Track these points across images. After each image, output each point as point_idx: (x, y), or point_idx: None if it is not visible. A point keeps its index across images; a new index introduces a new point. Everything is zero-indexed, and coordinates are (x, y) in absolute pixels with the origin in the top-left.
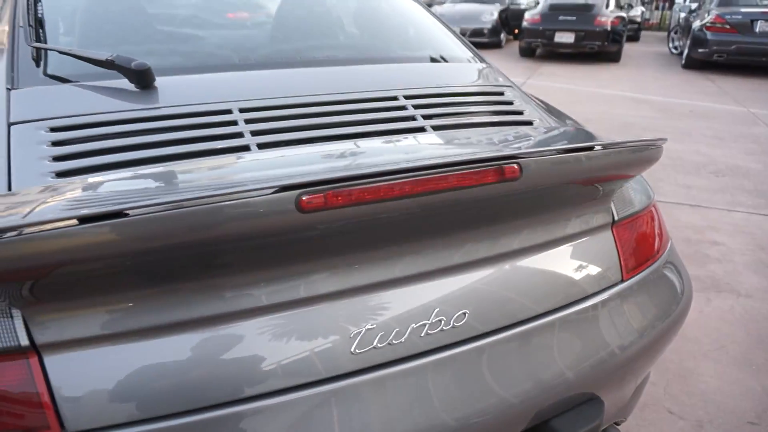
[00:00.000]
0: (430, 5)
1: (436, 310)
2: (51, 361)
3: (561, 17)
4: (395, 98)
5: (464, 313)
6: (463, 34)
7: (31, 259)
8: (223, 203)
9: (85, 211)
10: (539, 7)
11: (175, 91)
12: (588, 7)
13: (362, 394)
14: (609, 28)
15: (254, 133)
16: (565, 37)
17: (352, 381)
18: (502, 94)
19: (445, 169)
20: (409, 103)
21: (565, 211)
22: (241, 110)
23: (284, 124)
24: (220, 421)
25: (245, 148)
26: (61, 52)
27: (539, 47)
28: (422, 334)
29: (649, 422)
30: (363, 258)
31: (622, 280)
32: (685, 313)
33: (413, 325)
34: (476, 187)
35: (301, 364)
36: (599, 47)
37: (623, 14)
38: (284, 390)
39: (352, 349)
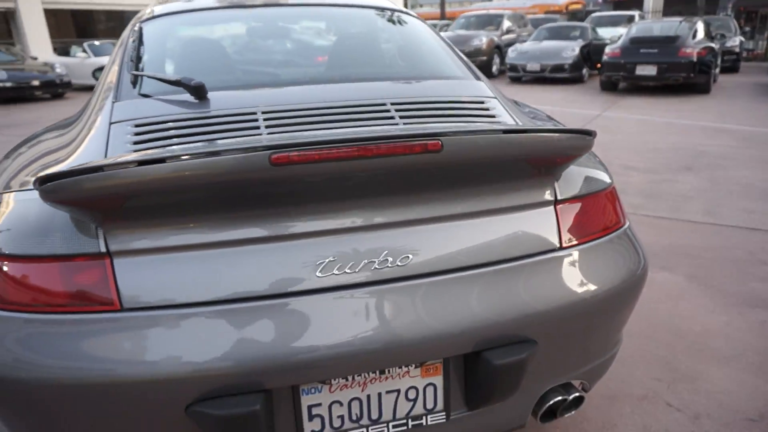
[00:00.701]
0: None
1: (385, 252)
2: (118, 262)
3: (642, 50)
4: (384, 104)
5: (407, 257)
6: (544, 70)
7: (107, 189)
8: (227, 157)
9: (139, 159)
10: (620, 41)
11: (220, 100)
12: (671, 39)
13: (323, 307)
14: (695, 60)
15: (267, 126)
16: (646, 70)
17: (315, 296)
18: (481, 102)
19: (381, 141)
20: (393, 107)
21: (511, 185)
22: (263, 112)
23: (288, 119)
24: (232, 311)
25: (258, 132)
26: (148, 77)
27: (620, 81)
28: (372, 268)
29: (644, 411)
30: (331, 208)
31: (560, 248)
32: (631, 290)
33: (365, 261)
34: (406, 155)
35: (283, 279)
36: (684, 79)
37: (712, 45)
38: (271, 296)
39: (317, 273)
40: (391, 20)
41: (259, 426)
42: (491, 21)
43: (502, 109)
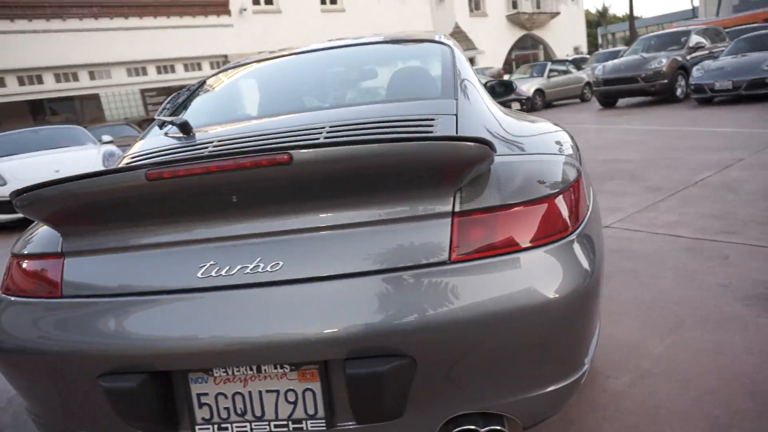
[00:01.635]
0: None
1: (258, 258)
2: (68, 262)
3: None
4: (323, 127)
5: (278, 263)
6: (737, 88)
7: (42, 202)
8: (114, 175)
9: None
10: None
11: (198, 134)
12: None
13: (201, 304)
14: None
15: (210, 151)
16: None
17: (196, 294)
18: (431, 119)
19: (233, 157)
20: (326, 130)
21: (403, 195)
22: (218, 141)
23: (233, 145)
24: (131, 303)
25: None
26: (163, 121)
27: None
28: (246, 272)
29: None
30: (213, 217)
31: (449, 261)
32: (545, 318)
33: (239, 266)
34: (261, 168)
35: (172, 278)
36: None
37: None
38: (161, 292)
39: (198, 275)
40: (413, 52)
41: (137, 401)
42: (675, 40)
43: (451, 125)
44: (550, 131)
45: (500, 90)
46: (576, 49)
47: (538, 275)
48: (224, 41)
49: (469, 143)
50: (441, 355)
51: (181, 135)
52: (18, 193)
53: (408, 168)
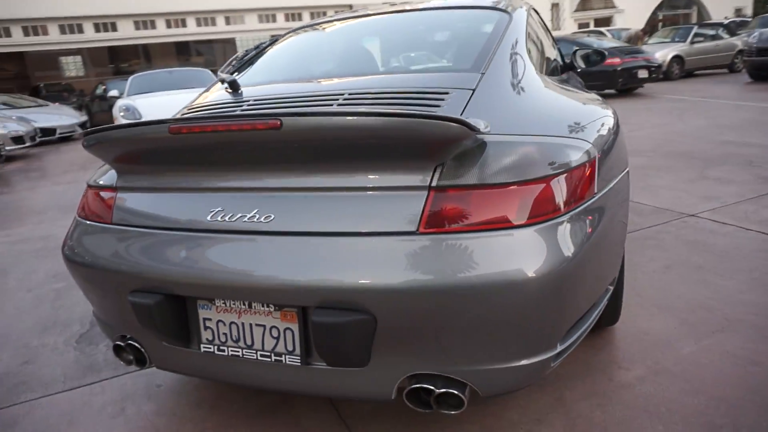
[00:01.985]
0: None
1: (256, 210)
2: (119, 195)
3: None
4: (342, 94)
5: (270, 216)
6: None
7: (102, 144)
8: (149, 127)
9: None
10: None
11: (242, 91)
12: None
13: (208, 243)
14: None
15: (243, 110)
16: None
17: (205, 234)
18: (445, 92)
19: (235, 120)
20: (343, 97)
21: (387, 166)
22: (254, 99)
23: (262, 106)
24: (156, 235)
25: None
26: (221, 78)
27: None
28: (245, 220)
29: None
30: (224, 170)
31: (416, 232)
32: (507, 298)
33: (240, 214)
34: (253, 131)
35: (190, 219)
36: None
37: None
38: (180, 229)
39: (207, 219)
40: (464, 19)
41: (154, 317)
42: None
43: (463, 100)
44: (582, 113)
45: (595, 59)
46: (738, 11)
47: (506, 254)
48: None
49: (446, 123)
50: (401, 316)
51: (231, 91)
52: (86, 134)
53: (388, 142)
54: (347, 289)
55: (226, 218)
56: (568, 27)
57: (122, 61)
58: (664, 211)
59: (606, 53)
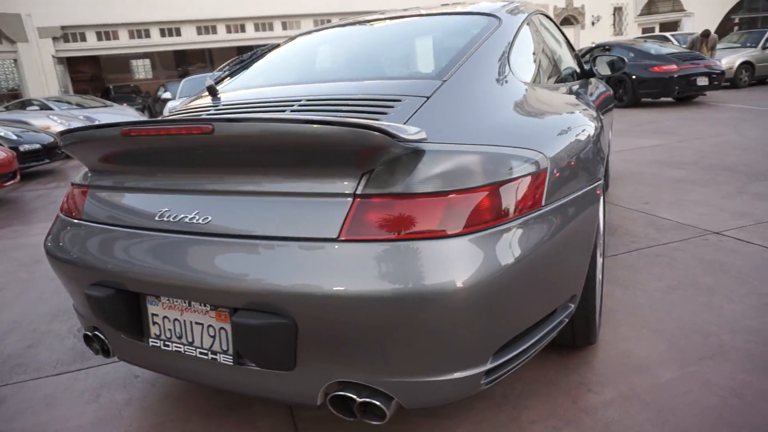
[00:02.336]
0: None
1: (196, 211)
2: (90, 192)
3: None
4: (298, 100)
5: (207, 217)
6: None
7: (71, 143)
8: (104, 129)
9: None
10: None
11: (217, 97)
12: None
13: (155, 242)
14: None
15: (208, 114)
16: None
17: (153, 233)
18: (396, 100)
19: (172, 124)
20: (299, 104)
21: (315, 172)
22: (223, 104)
23: (225, 111)
24: (118, 232)
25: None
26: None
27: None
28: (186, 221)
29: None
30: (170, 171)
31: (337, 239)
32: (409, 300)
33: (182, 215)
34: (190, 135)
35: (144, 217)
36: None
37: None
38: (134, 227)
39: (156, 218)
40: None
41: (106, 310)
42: None
43: (413, 108)
44: (549, 123)
45: (618, 65)
46: None
47: (429, 264)
48: None
49: (364, 130)
50: (321, 323)
51: (211, 97)
52: (61, 133)
53: (313, 148)
54: (268, 293)
55: (171, 218)
56: (632, 32)
57: (188, 64)
58: (686, 228)
59: (626, 60)
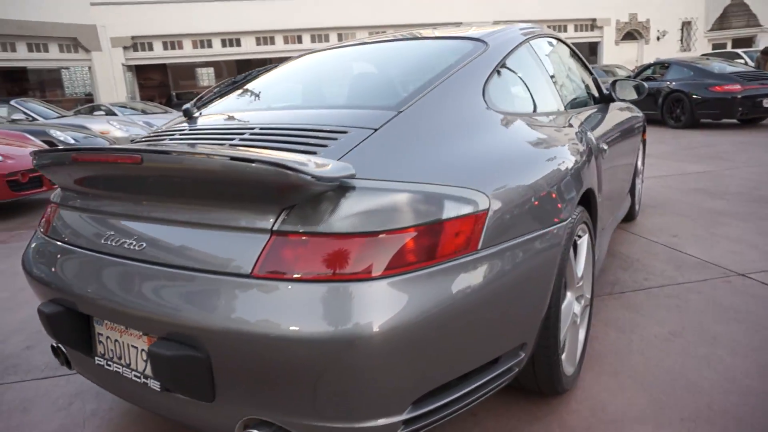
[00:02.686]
0: None
1: (135, 237)
2: (59, 209)
3: None
4: (252, 128)
5: (143, 244)
6: None
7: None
8: (59, 152)
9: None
10: None
11: (190, 120)
12: None
13: (99, 264)
14: None
15: (171, 139)
16: None
17: (99, 255)
18: (342, 132)
19: (107, 152)
20: (251, 132)
21: (238, 205)
22: (189, 129)
23: (184, 138)
24: (71, 252)
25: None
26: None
27: None
28: (125, 246)
29: None
30: (117, 196)
31: (250, 275)
32: (321, 345)
33: (123, 239)
34: (124, 164)
35: (91, 239)
36: None
37: None
38: (85, 248)
39: (101, 240)
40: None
41: (55, 327)
42: None
43: (355, 141)
44: (507, 160)
45: (641, 89)
46: None
47: (340, 307)
48: (461, 7)
49: (275, 168)
50: (232, 359)
51: (186, 120)
52: (34, 153)
53: (231, 183)
54: (184, 325)
55: (115, 242)
56: (701, 47)
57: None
58: (710, 267)
59: (645, 86)
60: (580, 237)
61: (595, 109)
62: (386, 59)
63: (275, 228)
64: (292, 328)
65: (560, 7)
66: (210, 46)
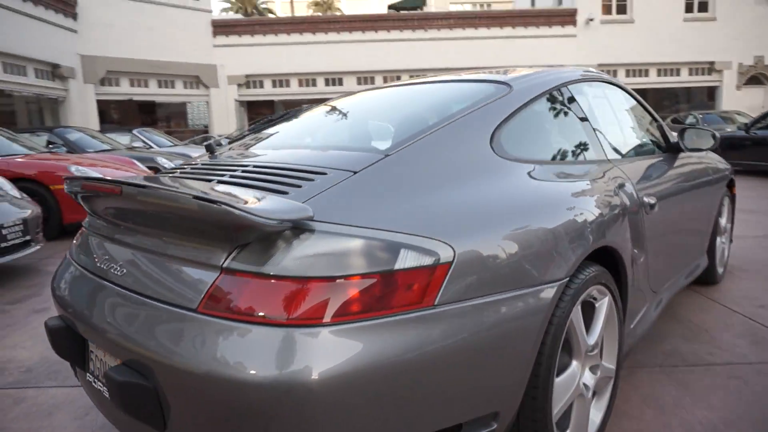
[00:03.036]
0: None
1: (120, 263)
2: (84, 232)
3: None
4: (245, 166)
5: (124, 270)
6: None
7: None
8: (77, 182)
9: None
10: None
11: (218, 155)
12: None
13: (93, 285)
14: None
15: (182, 174)
16: None
17: (94, 277)
18: (324, 173)
19: (98, 182)
20: (243, 170)
21: (197, 239)
22: (200, 164)
23: (194, 173)
24: (79, 273)
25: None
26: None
27: None
28: (111, 270)
29: None
30: (114, 223)
31: (195, 311)
32: (243, 387)
33: (112, 264)
34: (110, 194)
35: (92, 261)
36: None
37: None
38: (87, 269)
39: (97, 264)
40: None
41: (55, 341)
42: None
43: (330, 183)
44: (491, 212)
45: (709, 141)
46: None
47: (275, 352)
48: (564, 52)
49: (223, 208)
50: (178, 391)
51: (206, 155)
52: (66, 178)
53: (191, 218)
54: (136, 352)
55: (105, 266)
56: None
57: None
58: None
59: (717, 135)
60: (596, 299)
61: (654, 160)
62: (403, 102)
63: (224, 265)
64: (230, 369)
65: (671, 49)
66: (314, 84)
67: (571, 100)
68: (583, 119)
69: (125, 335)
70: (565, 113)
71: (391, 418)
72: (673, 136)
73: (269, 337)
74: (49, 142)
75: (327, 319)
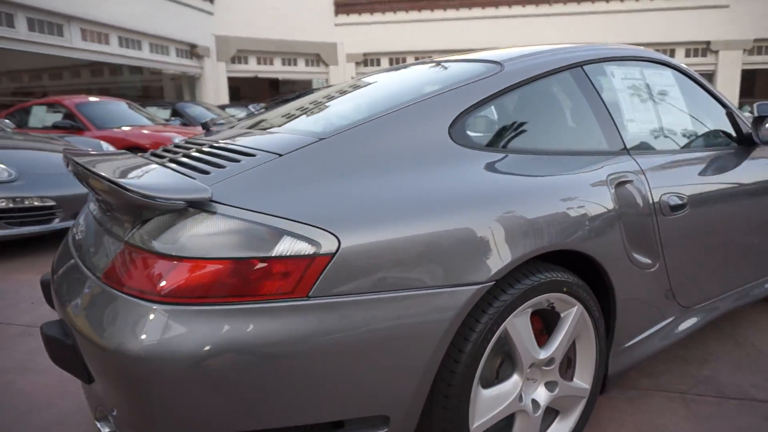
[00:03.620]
0: None
1: (82, 230)
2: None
3: None
4: (204, 145)
5: (81, 236)
6: None
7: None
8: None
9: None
10: None
11: (207, 134)
12: None
13: (70, 253)
14: None
15: (174, 157)
16: None
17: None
18: (252, 155)
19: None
20: (201, 148)
21: (118, 214)
22: (186, 142)
23: (178, 151)
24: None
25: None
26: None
27: None
28: (76, 237)
29: None
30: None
31: (99, 279)
32: (119, 359)
33: (80, 236)
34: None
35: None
36: None
37: None
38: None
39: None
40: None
41: (51, 348)
42: None
43: (251, 165)
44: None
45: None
46: None
47: (130, 324)
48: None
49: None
50: (84, 350)
51: (203, 133)
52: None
53: (110, 196)
54: (65, 311)
55: (78, 237)
56: None
57: None
58: None
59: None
60: (554, 308)
61: (710, 153)
62: (388, 85)
63: (126, 239)
64: (95, 334)
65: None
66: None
67: (583, 82)
68: (597, 104)
69: (62, 295)
70: (570, 97)
71: (253, 401)
72: (747, 126)
73: (134, 310)
74: (173, 114)
75: (191, 298)
